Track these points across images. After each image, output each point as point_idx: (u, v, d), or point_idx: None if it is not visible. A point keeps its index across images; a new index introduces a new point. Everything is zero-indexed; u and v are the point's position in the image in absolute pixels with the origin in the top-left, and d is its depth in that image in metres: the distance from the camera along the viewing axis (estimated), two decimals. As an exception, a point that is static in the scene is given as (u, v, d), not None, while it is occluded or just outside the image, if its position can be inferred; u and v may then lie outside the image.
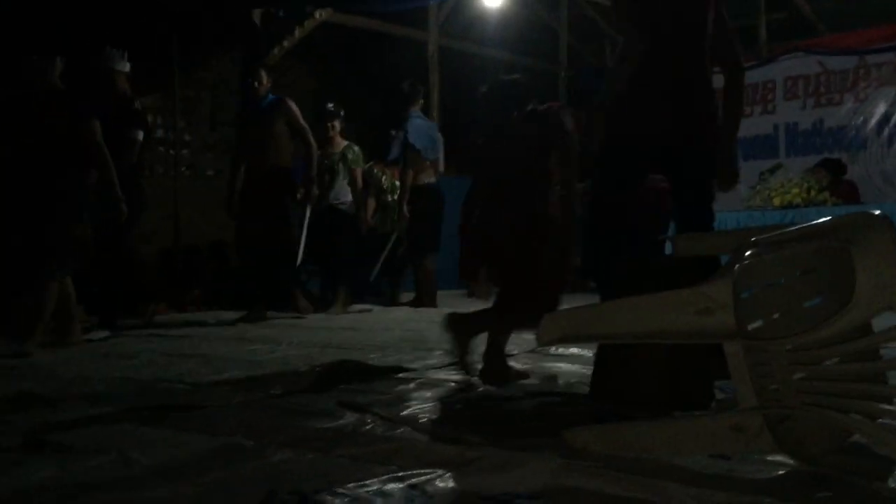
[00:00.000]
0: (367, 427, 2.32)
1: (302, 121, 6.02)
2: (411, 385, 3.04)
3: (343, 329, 5.31)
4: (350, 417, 2.42)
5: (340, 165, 6.69)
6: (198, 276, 7.74)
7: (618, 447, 1.93)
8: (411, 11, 8.31)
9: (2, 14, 6.36)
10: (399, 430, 2.27)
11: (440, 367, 3.49)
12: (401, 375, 3.26)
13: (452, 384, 3.06)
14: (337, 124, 6.69)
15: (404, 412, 2.49)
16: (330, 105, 6.75)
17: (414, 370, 3.40)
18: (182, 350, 4.32)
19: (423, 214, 6.67)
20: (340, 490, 1.65)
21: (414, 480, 1.73)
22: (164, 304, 6.36)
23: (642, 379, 2.43)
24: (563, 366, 3.48)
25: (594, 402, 2.57)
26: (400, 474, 1.75)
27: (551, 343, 2.18)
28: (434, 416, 2.46)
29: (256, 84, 5.97)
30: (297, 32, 7.60)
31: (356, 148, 6.84)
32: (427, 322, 5.63)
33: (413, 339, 4.63)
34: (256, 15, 7.60)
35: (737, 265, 1.78)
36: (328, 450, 2.02)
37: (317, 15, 7.54)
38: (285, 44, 7.60)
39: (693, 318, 1.78)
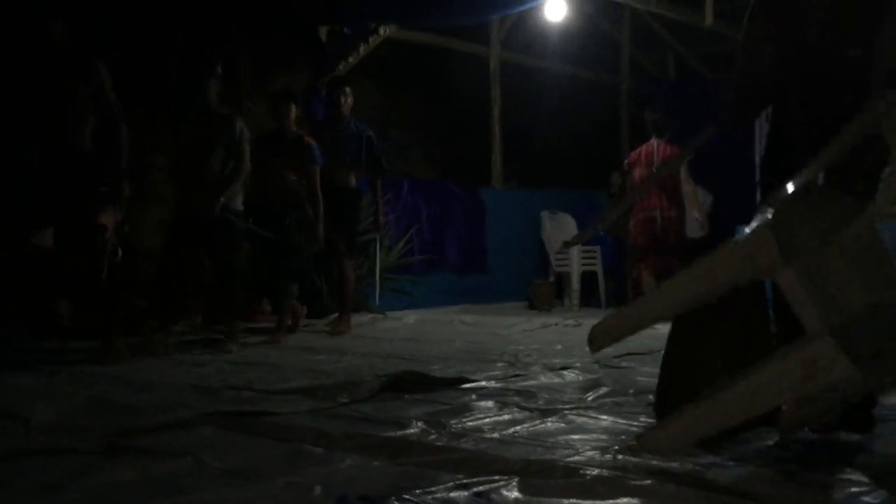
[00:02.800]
0: (432, 436, 2.35)
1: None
2: (473, 396, 3.07)
3: (405, 340, 5.37)
4: (415, 426, 2.45)
5: None
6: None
7: (690, 436, 1.92)
8: (474, 27, 8.38)
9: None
10: (463, 440, 2.30)
11: (502, 378, 3.51)
12: (464, 386, 3.29)
13: (514, 395, 3.07)
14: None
15: (468, 422, 2.52)
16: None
17: (476, 381, 3.42)
18: (249, 359, 4.42)
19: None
20: (407, 496, 1.69)
21: (479, 488, 1.76)
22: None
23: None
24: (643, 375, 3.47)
25: (658, 419, 2.55)
26: (465, 482, 1.78)
27: (602, 348, 2.20)
28: (497, 426, 2.48)
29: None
30: (362, 49, 7.72)
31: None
32: (488, 334, 5.67)
33: (475, 350, 4.66)
34: (322, 32, 7.75)
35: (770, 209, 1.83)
36: (395, 457, 2.06)
37: (381, 31, 7.66)
38: (350, 60, 7.73)
39: (741, 264, 1.83)
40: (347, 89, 6.04)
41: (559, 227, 8.76)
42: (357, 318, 6.80)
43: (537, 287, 8.18)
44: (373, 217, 6.22)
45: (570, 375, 3.60)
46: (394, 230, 7.82)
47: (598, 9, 9.05)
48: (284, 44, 8.16)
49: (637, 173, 6.28)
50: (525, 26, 8.83)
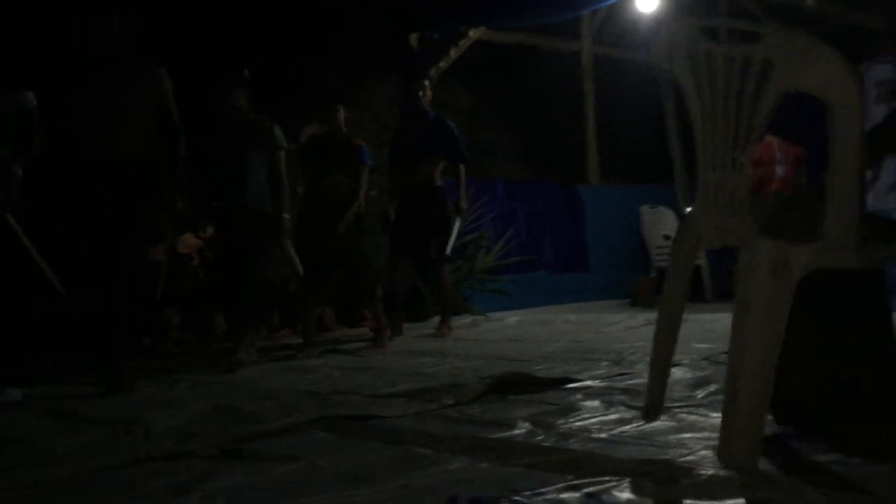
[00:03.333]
0: (539, 437, 2.34)
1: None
2: (579, 396, 3.04)
3: (507, 341, 5.37)
4: (522, 428, 2.45)
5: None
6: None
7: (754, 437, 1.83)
8: (564, 24, 8.30)
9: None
10: (571, 441, 2.28)
11: (608, 377, 3.46)
12: (569, 386, 3.26)
13: (620, 394, 3.03)
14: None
15: (576, 423, 2.50)
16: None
17: (581, 380, 3.38)
18: (355, 364, 4.51)
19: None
20: (517, 498, 1.69)
21: (590, 489, 1.74)
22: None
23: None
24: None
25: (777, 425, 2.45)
26: (576, 483, 1.77)
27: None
28: (605, 426, 2.44)
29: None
30: (453, 52, 7.77)
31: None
32: (591, 332, 5.60)
33: (579, 349, 4.61)
34: (413, 38, 7.84)
35: None
36: (503, 459, 2.06)
37: (471, 33, 7.69)
38: (441, 64, 7.79)
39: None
40: (426, 83, 6.06)
41: (659, 222, 8.59)
42: (458, 321, 6.85)
43: (639, 283, 8.03)
44: (454, 205, 6.05)
45: (677, 372, 3.50)
46: (491, 232, 7.84)
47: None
48: (375, 52, 8.31)
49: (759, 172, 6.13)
50: (616, 19, 8.69)
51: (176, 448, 2.32)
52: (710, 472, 1.84)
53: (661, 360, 2.41)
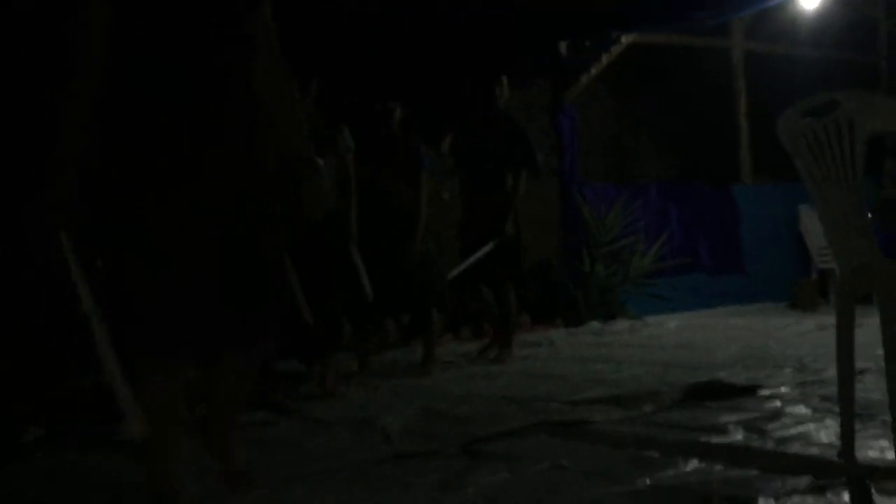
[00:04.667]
0: (756, 442, 2.48)
1: None
2: (778, 402, 3.13)
3: (677, 347, 5.41)
4: (738, 433, 2.58)
5: None
6: (521, 297, 8.26)
7: None
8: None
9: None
10: (789, 445, 2.40)
11: (799, 384, 3.52)
12: (763, 393, 3.34)
13: (820, 400, 3.09)
14: None
15: (790, 429, 2.60)
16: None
17: (772, 388, 3.45)
18: (534, 371, 4.69)
19: None
20: (769, 498, 1.84)
21: (834, 491, 1.86)
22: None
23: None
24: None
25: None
26: (820, 483, 1.89)
27: None
28: (820, 431, 2.54)
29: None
30: (604, 58, 7.86)
31: None
32: (761, 337, 5.57)
33: (755, 356, 4.63)
34: (563, 46, 7.98)
35: None
36: (733, 462, 2.21)
37: (623, 39, 7.75)
38: (593, 71, 7.89)
39: None
40: (504, 79, 5.46)
41: (820, 221, 8.35)
42: (616, 325, 6.97)
43: (801, 285, 7.87)
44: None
45: (869, 380, 3.51)
46: (644, 235, 7.88)
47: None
48: (524, 61, 8.49)
49: None
50: (770, 14, 8.54)
51: (422, 447, 2.59)
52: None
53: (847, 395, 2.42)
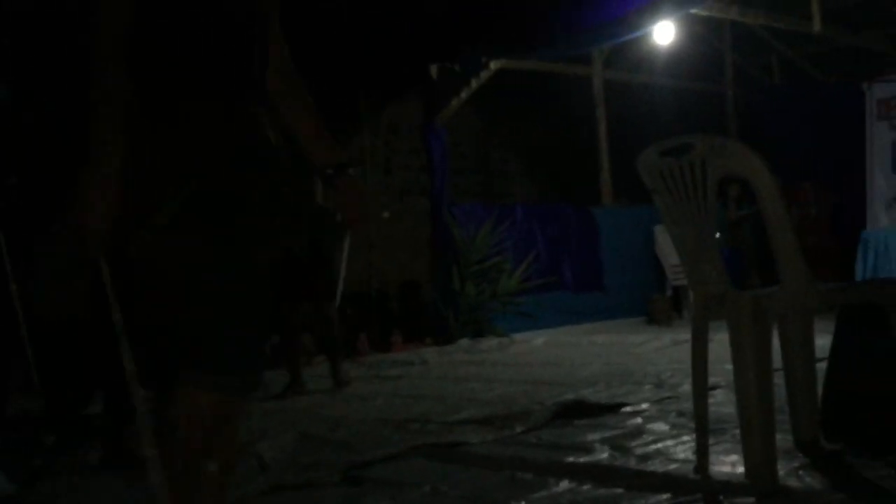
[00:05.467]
0: (620, 460, 2.64)
1: None
2: (639, 419, 3.33)
3: (544, 365, 5.60)
4: (602, 451, 2.74)
5: None
6: (391, 316, 8.35)
7: None
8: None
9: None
10: (652, 463, 2.57)
11: (658, 401, 3.74)
12: (625, 410, 3.54)
13: (677, 415, 3.31)
14: None
15: (650, 446, 2.78)
16: None
17: (633, 404, 3.66)
18: (409, 391, 4.76)
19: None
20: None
21: (692, 507, 2.02)
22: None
23: (875, 417, 2.58)
24: None
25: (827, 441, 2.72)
26: (678, 501, 2.05)
27: None
28: (678, 447, 2.73)
29: None
30: (473, 83, 8.07)
31: None
32: (621, 354, 5.86)
33: (616, 372, 4.87)
34: (433, 69, 8.13)
35: None
36: (601, 481, 2.35)
37: (491, 65, 7.99)
38: (463, 95, 8.09)
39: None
40: None
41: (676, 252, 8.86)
42: (484, 343, 7.15)
43: (655, 302, 8.33)
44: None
45: (720, 395, 3.78)
46: (511, 254, 8.13)
47: (701, 23, 9.19)
48: (395, 80, 8.61)
49: None
50: (627, 46, 9.03)
51: (302, 477, 2.60)
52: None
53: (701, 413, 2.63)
